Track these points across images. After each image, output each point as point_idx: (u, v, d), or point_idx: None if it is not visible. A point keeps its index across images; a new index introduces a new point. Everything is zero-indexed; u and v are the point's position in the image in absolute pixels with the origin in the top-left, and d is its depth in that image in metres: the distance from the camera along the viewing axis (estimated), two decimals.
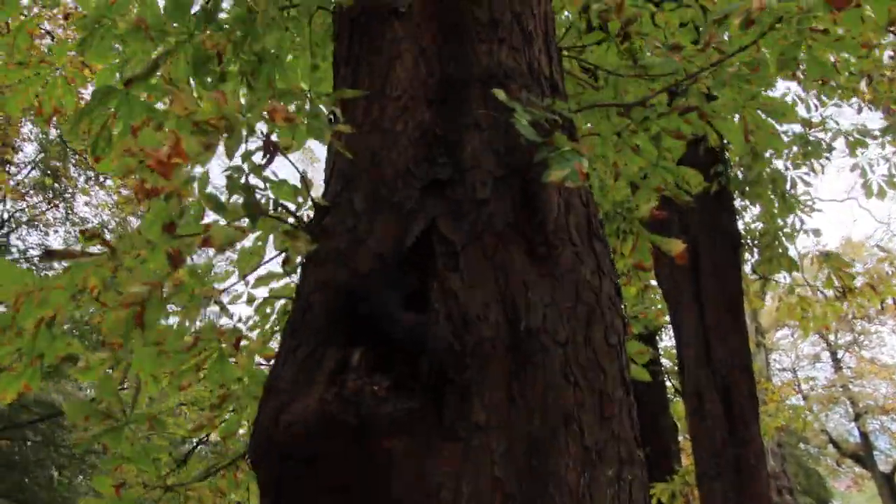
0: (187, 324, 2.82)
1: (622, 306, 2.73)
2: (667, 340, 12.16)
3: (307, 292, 2.64)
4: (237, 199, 2.52)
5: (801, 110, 8.12)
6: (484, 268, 2.51)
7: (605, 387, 2.44)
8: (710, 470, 7.63)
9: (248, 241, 3.07)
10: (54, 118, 4.63)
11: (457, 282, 2.47)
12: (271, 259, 3.05)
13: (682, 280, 8.02)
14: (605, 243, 2.81)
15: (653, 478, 10.33)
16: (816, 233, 7.80)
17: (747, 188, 7.81)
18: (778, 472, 17.08)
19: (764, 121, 2.99)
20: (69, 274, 2.24)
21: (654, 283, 9.85)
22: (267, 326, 3.75)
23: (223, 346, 3.13)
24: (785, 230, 7.88)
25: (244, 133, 2.26)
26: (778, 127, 8.25)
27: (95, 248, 2.23)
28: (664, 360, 11.75)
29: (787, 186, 7.61)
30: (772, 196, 7.59)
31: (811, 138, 7.25)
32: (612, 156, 3.24)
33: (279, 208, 2.42)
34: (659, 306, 9.34)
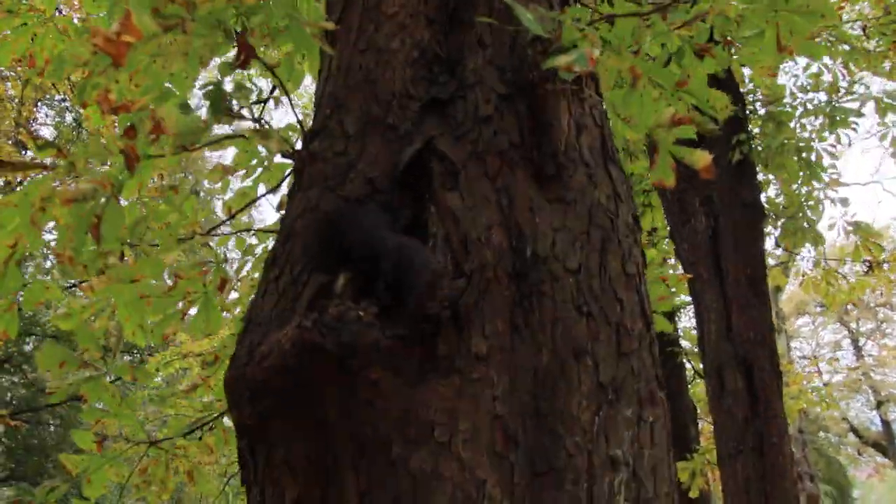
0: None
1: (639, 237, 2.42)
2: (685, 321, 11.80)
3: (291, 219, 2.36)
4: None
5: (826, 78, 7.74)
6: (486, 189, 2.22)
7: (622, 319, 2.14)
8: (731, 448, 7.30)
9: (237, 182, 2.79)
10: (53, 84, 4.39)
11: (456, 201, 2.18)
12: (261, 197, 2.76)
13: (702, 253, 7.67)
14: (620, 168, 2.50)
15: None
16: (844, 202, 7.42)
17: (770, 158, 7.44)
18: (799, 458, 16.65)
19: (800, 23, 2.67)
20: (23, 191, 1.98)
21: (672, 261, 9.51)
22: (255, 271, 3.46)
23: (207, 290, 2.86)
24: (809, 203, 7.51)
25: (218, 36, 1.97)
26: (802, 96, 7.89)
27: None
28: (684, 342, 11.42)
29: (813, 157, 7.24)
30: (797, 165, 7.22)
31: (837, 105, 6.87)
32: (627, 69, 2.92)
33: (260, 121, 2.13)
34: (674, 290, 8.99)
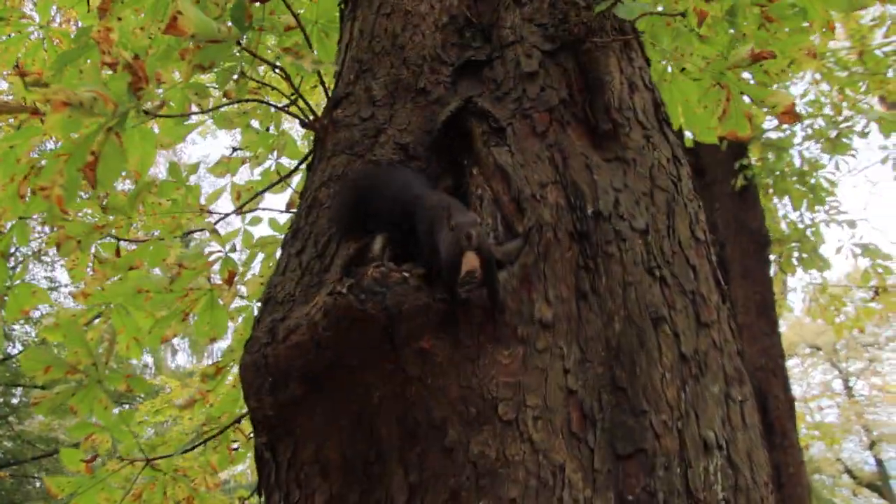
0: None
1: (703, 205, 2.14)
2: None
3: (313, 189, 2.06)
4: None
5: (827, 110, 7.61)
6: (536, 146, 1.93)
7: (697, 287, 1.83)
8: None
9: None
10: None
11: (505, 157, 1.89)
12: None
13: None
14: (679, 137, 2.23)
15: None
16: (851, 224, 7.19)
17: (774, 185, 7.24)
18: None
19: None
20: (6, 140, 1.67)
21: None
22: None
23: (213, 290, 2.53)
24: (812, 228, 7.29)
25: None
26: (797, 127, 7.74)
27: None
28: None
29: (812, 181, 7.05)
30: (798, 191, 7.02)
31: (841, 127, 6.70)
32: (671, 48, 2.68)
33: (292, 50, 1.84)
34: None
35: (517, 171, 1.85)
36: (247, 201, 2.47)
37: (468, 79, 2.18)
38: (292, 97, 2.11)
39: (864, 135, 6.72)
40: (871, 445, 22.05)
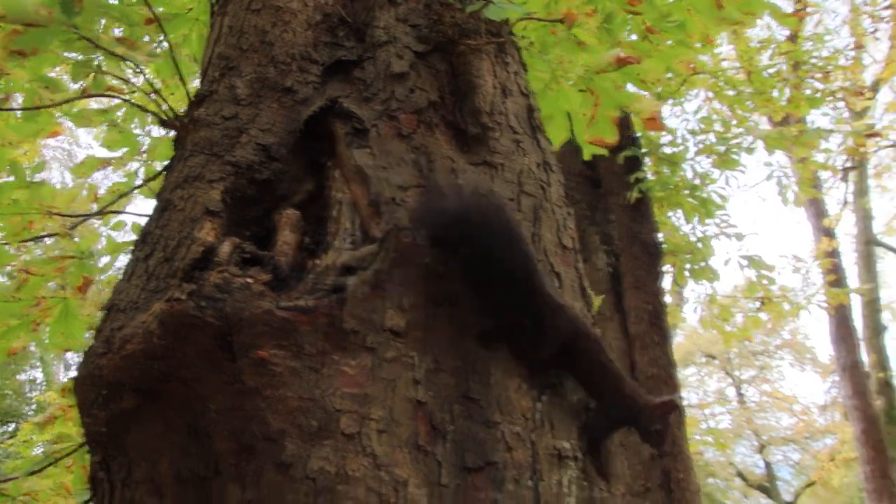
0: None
1: (572, 213, 2.10)
2: None
3: (168, 190, 1.92)
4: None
5: (717, 126, 7.87)
6: (400, 148, 1.85)
7: (561, 295, 1.78)
8: (638, 486, 7.01)
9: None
10: None
11: (366, 158, 1.79)
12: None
13: (603, 291, 7.50)
14: (549, 142, 2.19)
15: None
16: (739, 236, 7.46)
17: (666, 199, 7.43)
18: None
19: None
20: None
21: None
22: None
23: (67, 298, 2.33)
24: (703, 239, 7.51)
25: None
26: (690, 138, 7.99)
27: None
28: None
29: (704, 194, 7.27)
30: (690, 204, 7.23)
31: (730, 143, 6.94)
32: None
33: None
34: None
35: (377, 174, 1.76)
36: (107, 204, 2.29)
37: (338, 79, 2.08)
38: (150, 94, 1.95)
39: (750, 151, 6.97)
40: (761, 449, 23.02)
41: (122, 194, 2.34)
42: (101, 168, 2.44)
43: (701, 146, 7.16)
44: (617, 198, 7.65)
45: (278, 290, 1.56)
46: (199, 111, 2.06)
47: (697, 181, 6.90)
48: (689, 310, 8.58)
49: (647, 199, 7.52)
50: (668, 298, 8.32)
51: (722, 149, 6.71)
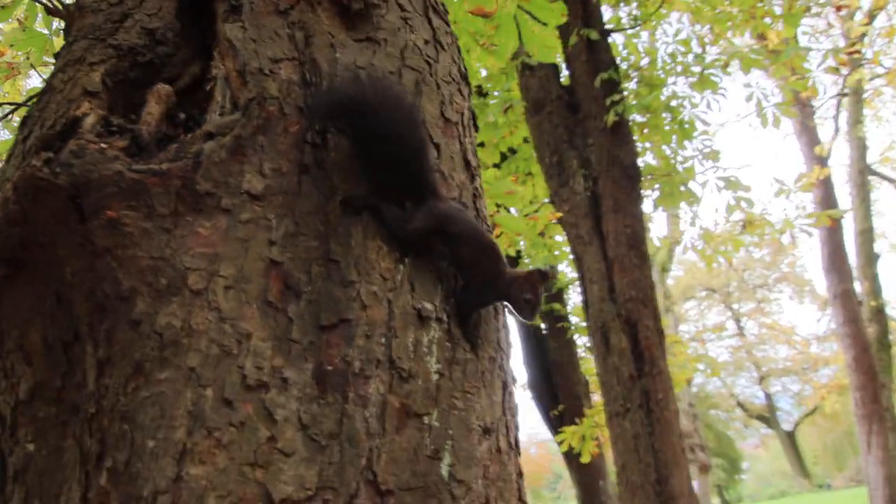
0: None
1: (467, 91, 2.06)
2: (575, 296, 11.69)
3: (52, 75, 1.89)
4: None
5: (694, 46, 7.71)
6: (276, 23, 1.81)
7: (438, 165, 1.76)
8: (618, 407, 7.11)
9: None
10: None
11: (236, 32, 1.76)
12: None
13: (582, 214, 7.49)
14: (447, 23, 2.14)
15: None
16: (713, 156, 7.35)
17: (643, 119, 7.34)
18: (690, 431, 16.89)
19: None
20: None
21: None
22: None
23: None
24: (683, 162, 7.43)
25: None
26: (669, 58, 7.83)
27: None
28: (573, 318, 11.30)
29: (684, 116, 7.17)
30: (668, 127, 7.14)
31: (707, 60, 6.79)
32: None
33: None
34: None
35: (246, 46, 1.72)
36: (14, 108, 2.26)
37: None
38: None
39: (725, 70, 6.83)
40: (761, 380, 23.20)
41: (30, 98, 2.31)
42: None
43: (679, 69, 7.01)
44: (595, 122, 7.57)
45: (138, 157, 1.55)
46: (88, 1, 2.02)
47: (676, 104, 6.77)
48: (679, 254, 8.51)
49: (626, 122, 7.43)
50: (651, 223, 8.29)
51: (698, 69, 6.56)
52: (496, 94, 8.85)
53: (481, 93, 8.82)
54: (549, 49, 4.06)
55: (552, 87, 8.06)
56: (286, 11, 1.83)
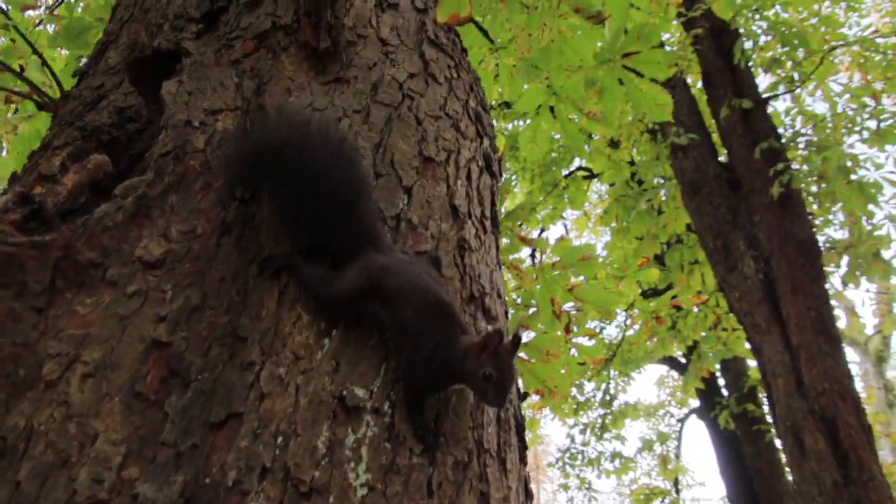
0: None
1: (482, 134, 1.67)
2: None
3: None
4: None
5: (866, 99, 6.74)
6: (223, 74, 1.56)
7: (405, 212, 1.37)
8: None
9: None
10: None
11: (171, 87, 1.52)
12: None
13: (756, 300, 6.52)
14: (450, 56, 1.79)
15: None
16: None
17: (816, 187, 6.39)
18: None
19: None
20: None
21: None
22: None
23: None
24: (872, 231, 6.31)
25: None
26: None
27: None
28: (771, 419, 9.77)
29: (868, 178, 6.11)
30: (847, 190, 6.12)
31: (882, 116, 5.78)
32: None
33: None
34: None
35: (177, 100, 1.47)
36: None
37: (207, 29, 1.84)
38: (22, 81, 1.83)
39: None
40: None
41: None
42: None
43: (852, 126, 6.09)
44: (760, 196, 6.71)
45: (37, 230, 1.30)
46: (74, 89, 1.92)
47: (851, 165, 5.83)
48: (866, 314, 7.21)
49: (796, 193, 6.51)
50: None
51: (873, 124, 5.63)
52: (656, 181, 8.24)
53: (634, 180, 8.26)
54: (661, 107, 3.56)
55: (708, 166, 7.35)
56: (238, 61, 1.58)
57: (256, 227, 1.31)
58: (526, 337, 2.76)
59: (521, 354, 2.76)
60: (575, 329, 4.20)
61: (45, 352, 1.13)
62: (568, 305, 3.51)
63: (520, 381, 1.93)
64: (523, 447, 1.35)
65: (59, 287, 1.20)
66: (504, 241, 3.12)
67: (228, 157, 1.32)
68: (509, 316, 1.47)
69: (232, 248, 1.28)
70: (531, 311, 2.68)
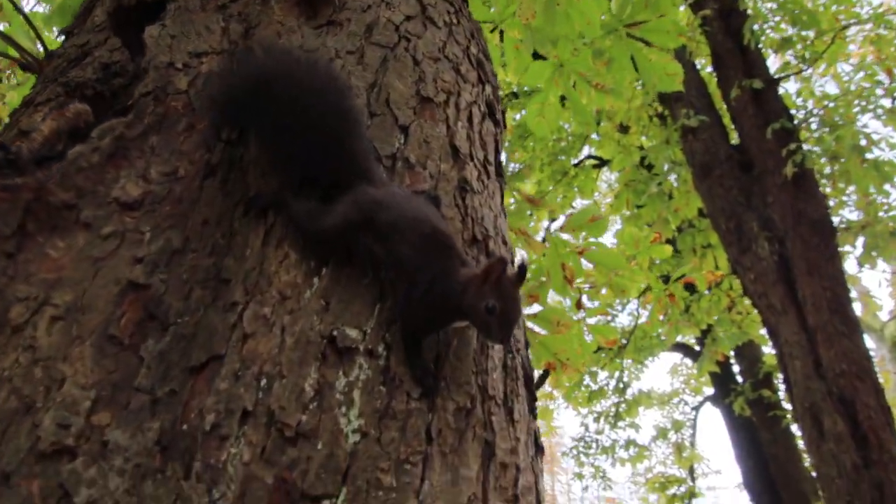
0: None
1: (483, 80, 1.57)
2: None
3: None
4: None
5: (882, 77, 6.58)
6: (209, 19, 1.47)
7: (402, 150, 1.27)
8: (840, 502, 5.72)
9: None
10: None
11: (153, 31, 1.43)
12: None
13: (771, 282, 6.37)
14: (451, 3, 1.69)
15: None
16: None
17: (830, 168, 6.23)
18: None
19: None
20: None
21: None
22: None
23: None
24: (889, 210, 6.15)
25: None
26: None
27: None
28: (787, 404, 9.61)
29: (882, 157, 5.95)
30: (862, 169, 5.96)
31: None
32: None
33: None
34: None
35: (160, 43, 1.38)
36: None
37: None
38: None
39: None
40: None
41: None
42: None
43: (865, 103, 5.93)
44: (773, 177, 6.57)
45: (11, 175, 1.21)
46: (59, 47, 1.83)
47: (864, 143, 5.68)
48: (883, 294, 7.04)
49: (809, 173, 6.36)
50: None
51: (888, 103, 5.47)
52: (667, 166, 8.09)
53: (644, 164, 8.13)
54: (671, 77, 3.44)
55: (719, 148, 7.20)
56: (224, 6, 1.49)
57: (244, 168, 1.22)
58: (536, 308, 2.66)
59: (532, 326, 2.66)
60: (588, 305, 4.09)
61: (14, 296, 1.04)
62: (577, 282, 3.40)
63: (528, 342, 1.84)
64: (532, 399, 1.24)
65: (31, 230, 1.10)
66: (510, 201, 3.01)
67: (213, 95, 1.22)
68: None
69: (216, 190, 1.18)
70: (542, 279, 2.58)
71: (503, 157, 1.59)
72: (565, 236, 2.59)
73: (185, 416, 0.94)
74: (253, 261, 1.08)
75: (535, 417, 1.23)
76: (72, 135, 1.41)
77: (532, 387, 1.25)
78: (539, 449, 1.21)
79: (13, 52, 1.79)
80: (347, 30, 1.44)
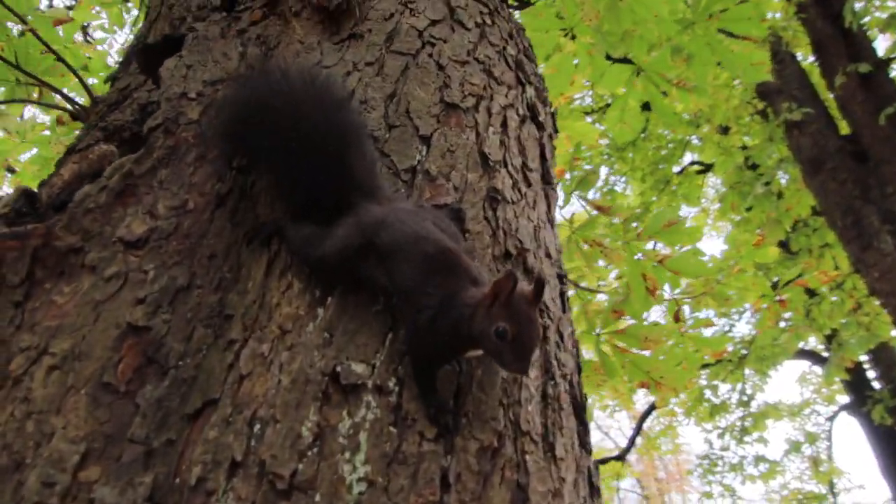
0: None
1: (524, 83, 1.43)
2: None
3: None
4: None
5: None
6: (227, 45, 1.41)
7: (423, 163, 1.15)
8: None
9: None
10: None
11: (169, 65, 1.39)
12: None
13: None
14: (485, 4, 1.56)
15: None
16: None
17: None
18: None
19: None
20: None
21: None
22: None
23: None
24: None
25: None
26: None
27: None
28: None
29: None
30: None
31: None
32: None
33: None
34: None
35: (174, 75, 1.34)
36: None
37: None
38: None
39: None
40: None
41: None
42: None
43: None
44: (892, 166, 5.98)
45: (27, 221, 1.19)
46: (104, 94, 1.85)
47: None
48: None
49: None
50: None
51: None
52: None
53: (749, 166, 7.61)
54: (756, 67, 3.17)
55: (828, 140, 6.66)
56: (243, 31, 1.43)
57: (253, 197, 1.14)
58: (623, 324, 2.46)
59: (620, 344, 2.46)
60: (689, 321, 3.79)
61: (17, 346, 0.99)
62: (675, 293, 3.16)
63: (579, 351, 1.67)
64: (584, 431, 1.08)
65: (39, 278, 1.06)
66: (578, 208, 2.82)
67: (215, 124, 1.15)
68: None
69: (226, 221, 1.11)
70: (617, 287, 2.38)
71: (551, 162, 1.44)
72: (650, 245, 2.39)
73: (178, 469, 0.85)
74: (254, 294, 0.99)
75: (588, 452, 1.07)
76: (95, 176, 1.38)
77: (584, 417, 1.09)
78: (595, 489, 1.04)
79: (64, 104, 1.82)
80: (367, 41, 1.35)
